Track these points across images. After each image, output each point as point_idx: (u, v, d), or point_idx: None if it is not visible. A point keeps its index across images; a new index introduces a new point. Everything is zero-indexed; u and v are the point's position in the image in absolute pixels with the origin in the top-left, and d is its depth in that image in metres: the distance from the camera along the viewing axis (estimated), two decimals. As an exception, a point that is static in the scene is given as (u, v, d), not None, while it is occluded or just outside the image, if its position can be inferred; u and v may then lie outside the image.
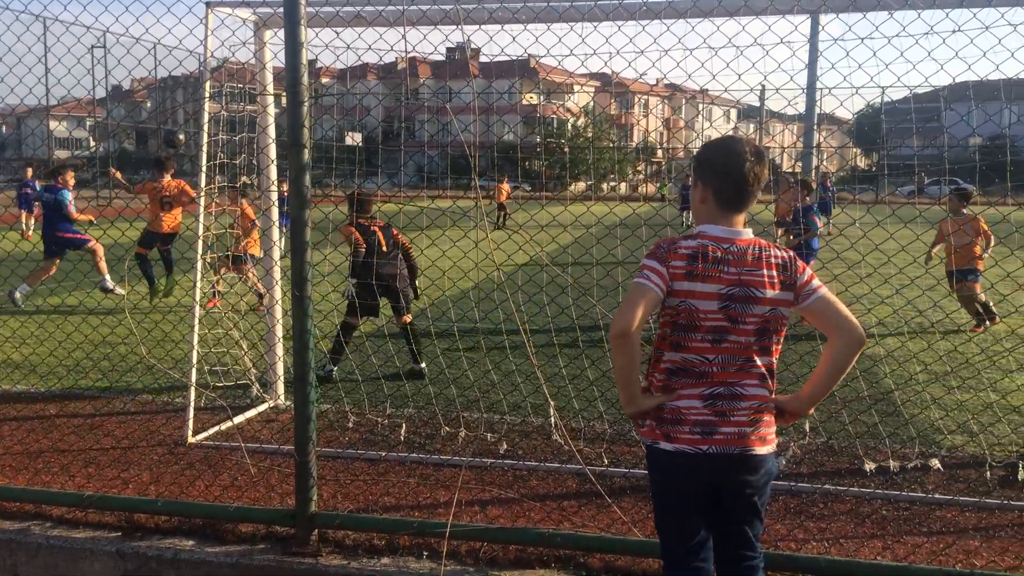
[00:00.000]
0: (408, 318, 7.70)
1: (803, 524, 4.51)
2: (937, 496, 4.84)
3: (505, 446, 5.60)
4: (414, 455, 5.49)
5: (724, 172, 2.77)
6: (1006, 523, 4.52)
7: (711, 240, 2.74)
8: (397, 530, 4.20)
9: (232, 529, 4.36)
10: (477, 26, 5.26)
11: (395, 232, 7.63)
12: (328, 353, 7.51)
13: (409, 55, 5.30)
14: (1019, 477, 5.10)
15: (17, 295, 11.29)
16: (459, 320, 9.34)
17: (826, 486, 4.99)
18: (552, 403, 5.40)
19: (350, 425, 6.09)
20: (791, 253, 2.81)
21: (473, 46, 7.14)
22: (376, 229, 7.46)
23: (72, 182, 12.12)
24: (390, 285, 7.37)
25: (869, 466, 5.25)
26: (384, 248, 7.40)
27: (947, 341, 8.74)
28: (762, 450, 2.78)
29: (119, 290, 11.80)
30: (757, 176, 2.74)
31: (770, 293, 2.71)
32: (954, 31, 4.66)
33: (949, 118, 5.57)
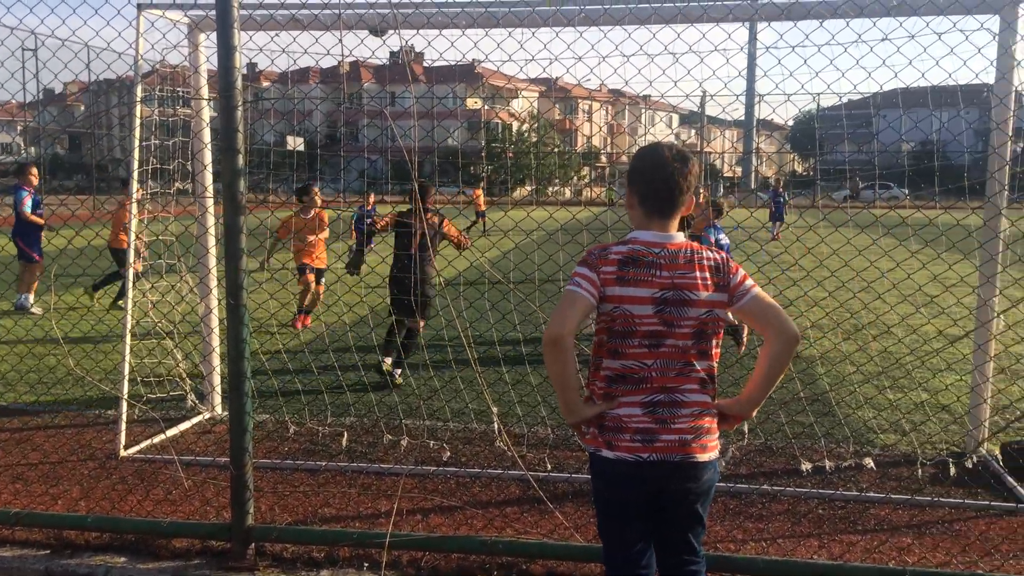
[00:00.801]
0: (422, 323, 7.61)
1: (742, 525, 4.57)
2: (871, 494, 4.95)
3: (448, 453, 5.56)
4: (355, 465, 5.42)
5: (649, 178, 2.79)
6: (937, 520, 4.64)
7: (642, 245, 2.75)
8: (337, 542, 4.13)
9: (166, 544, 4.24)
10: (415, 31, 5.23)
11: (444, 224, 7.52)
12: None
13: (347, 59, 5.23)
14: (950, 474, 5.24)
15: (27, 303, 11.24)
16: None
17: (764, 486, 5.06)
18: (494, 409, 5.39)
19: (289, 435, 5.99)
20: (724, 255, 2.82)
21: (416, 51, 7.09)
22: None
23: (35, 180, 11.64)
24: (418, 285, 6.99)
25: (805, 466, 5.34)
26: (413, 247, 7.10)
27: (879, 342, 8.97)
28: (703, 457, 2.78)
29: (36, 310, 11.37)
30: (680, 182, 2.75)
31: (704, 295, 2.72)
32: (882, 39, 4.80)
33: (881, 125, 5.72)
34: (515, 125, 52.08)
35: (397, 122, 5.54)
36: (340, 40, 4.65)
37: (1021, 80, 4.93)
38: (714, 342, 2.81)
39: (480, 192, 27.09)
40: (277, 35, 5.55)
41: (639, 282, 2.70)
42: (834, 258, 5.51)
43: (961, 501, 4.82)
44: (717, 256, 2.79)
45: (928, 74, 4.69)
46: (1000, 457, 5.40)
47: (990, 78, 5.08)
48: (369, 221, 9.47)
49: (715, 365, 2.84)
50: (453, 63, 6.07)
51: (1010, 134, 5.03)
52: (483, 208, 26.31)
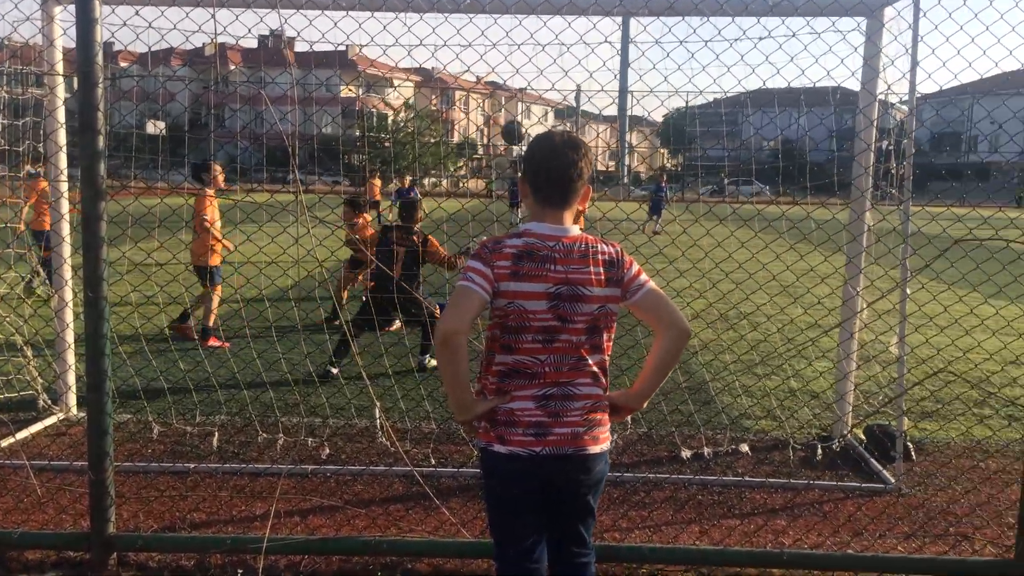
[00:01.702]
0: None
1: (626, 514, 4.60)
2: (747, 479, 5.09)
3: (328, 451, 5.36)
4: (227, 466, 5.12)
5: (539, 168, 2.70)
6: (809, 502, 4.81)
7: (536, 238, 2.67)
8: (208, 548, 3.88)
9: (17, 557, 3.88)
10: (295, 10, 4.97)
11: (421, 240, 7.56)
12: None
13: (218, 38, 4.92)
14: (818, 457, 5.46)
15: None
16: (277, 320, 8.90)
17: (647, 474, 5.12)
18: (378, 404, 5.22)
19: (154, 436, 5.61)
20: (619, 248, 2.77)
21: (289, 34, 6.79)
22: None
23: None
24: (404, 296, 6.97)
25: (685, 453, 5.45)
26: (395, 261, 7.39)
27: (757, 332, 9.31)
28: (595, 449, 2.75)
29: None
30: (573, 171, 2.68)
31: (597, 290, 2.67)
32: (737, 39, 4.90)
33: (748, 124, 5.89)
34: (392, 115, 51.38)
35: (268, 108, 5.26)
36: (213, 16, 4.35)
37: (888, 81, 5.15)
38: (606, 336, 2.77)
39: (378, 182, 26.59)
40: (141, 9, 5.16)
41: (533, 277, 2.62)
42: (718, 250, 5.63)
43: (832, 484, 5.02)
44: (612, 250, 2.73)
45: (793, 75, 4.84)
46: (865, 440, 5.68)
47: (856, 81, 5.30)
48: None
49: (607, 359, 2.80)
50: (332, 46, 5.84)
51: (873, 135, 5.27)
52: (379, 198, 25.85)
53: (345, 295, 9.90)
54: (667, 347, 2.74)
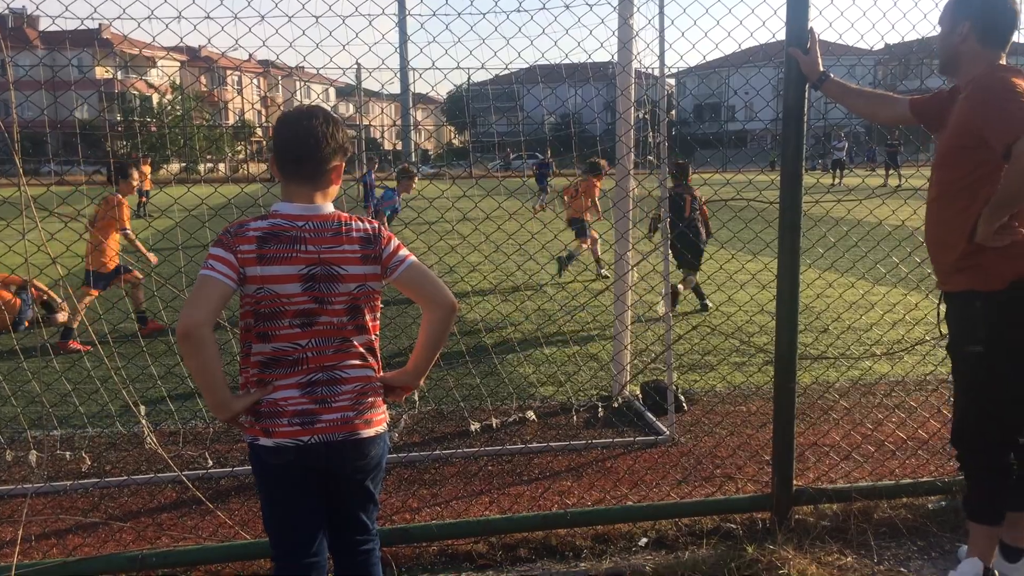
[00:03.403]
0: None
1: (416, 493, 4.54)
2: (533, 445, 5.20)
3: (88, 462, 4.88)
4: (-36, 492, 4.54)
5: (289, 145, 2.54)
6: (591, 461, 4.98)
7: (284, 219, 2.51)
8: (-61, 589, 3.40)
9: None
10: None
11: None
12: None
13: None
14: (599, 417, 5.69)
15: None
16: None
17: (436, 452, 5.10)
18: (141, 407, 4.82)
19: None
20: (376, 224, 2.67)
21: (32, 12, 6.04)
22: (688, 197, 8.86)
23: None
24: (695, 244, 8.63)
25: (474, 426, 5.48)
26: (687, 213, 8.82)
27: (532, 301, 9.57)
28: (369, 432, 2.65)
29: None
30: (322, 146, 2.53)
31: (355, 269, 2.56)
32: (516, 9, 4.93)
33: (526, 100, 5.95)
34: (156, 97, 48.00)
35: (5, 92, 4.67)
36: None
37: (639, 51, 5.38)
38: (370, 316, 2.66)
39: (148, 169, 24.62)
40: None
41: (282, 259, 2.46)
42: (489, 223, 5.67)
43: (610, 440, 5.23)
44: (369, 227, 2.62)
45: (570, 48, 4.94)
46: (640, 396, 5.98)
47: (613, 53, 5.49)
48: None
49: (375, 338, 2.70)
50: (79, 21, 5.24)
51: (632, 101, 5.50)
52: (149, 187, 23.94)
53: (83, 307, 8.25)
54: (435, 322, 2.69)
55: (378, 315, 2.72)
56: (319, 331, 2.54)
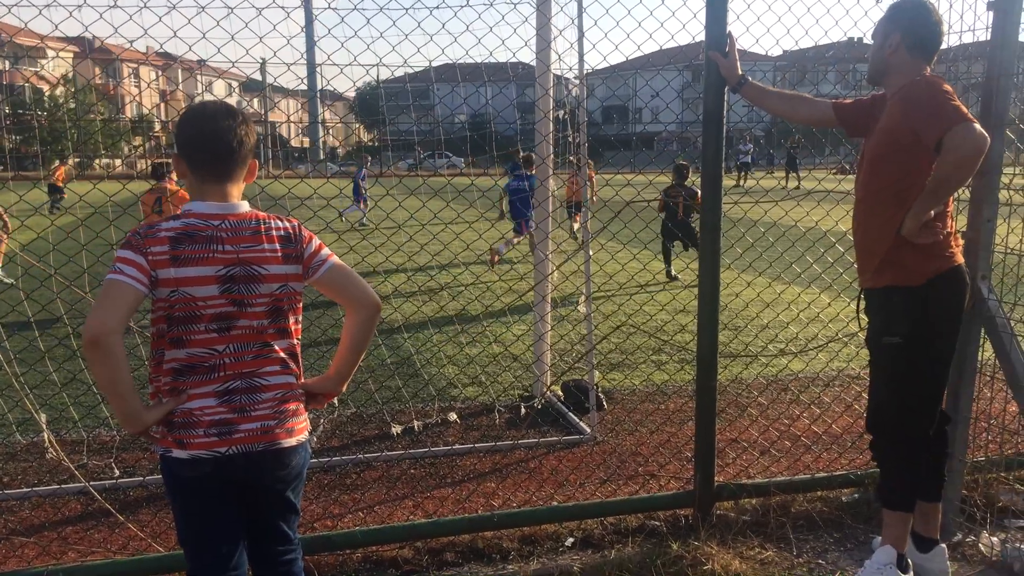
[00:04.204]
0: None
1: (338, 499, 4.44)
2: (456, 447, 5.15)
3: (-17, 476, 4.60)
4: None
5: (197, 141, 2.43)
6: (515, 461, 4.97)
7: (198, 218, 2.39)
8: None
9: None
10: None
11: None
12: None
13: None
14: (522, 416, 5.68)
15: None
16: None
17: (357, 456, 4.99)
18: (42, 415, 4.56)
19: None
20: (296, 223, 2.57)
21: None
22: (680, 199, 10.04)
23: None
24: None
25: (396, 429, 5.40)
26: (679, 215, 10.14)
27: (456, 302, 9.50)
28: (290, 441, 2.55)
29: None
30: (233, 140, 2.43)
31: (275, 268, 2.46)
32: (412, 6, 4.82)
33: (435, 98, 5.89)
34: (47, 90, 45.72)
35: None
36: None
37: (558, 54, 5.40)
38: (292, 319, 2.56)
39: (64, 167, 23.43)
40: None
41: (198, 260, 2.34)
42: (411, 224, 5.59)
43: (535, 441, 5.23)
44: (289, 225, 2.52)
45: (477, 52, 4.90)
46: (562, 395, 6.00)
47: (532, 53, 5.49)
48: None
49: (297, 343, 2.60)
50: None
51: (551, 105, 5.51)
52: (62, 183, 22.75)
53: None
54: (358, 324, 2.61)
55: (300, 318, 2.62)
56: (237, 336, 2.43)
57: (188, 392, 2.40)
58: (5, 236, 10.31)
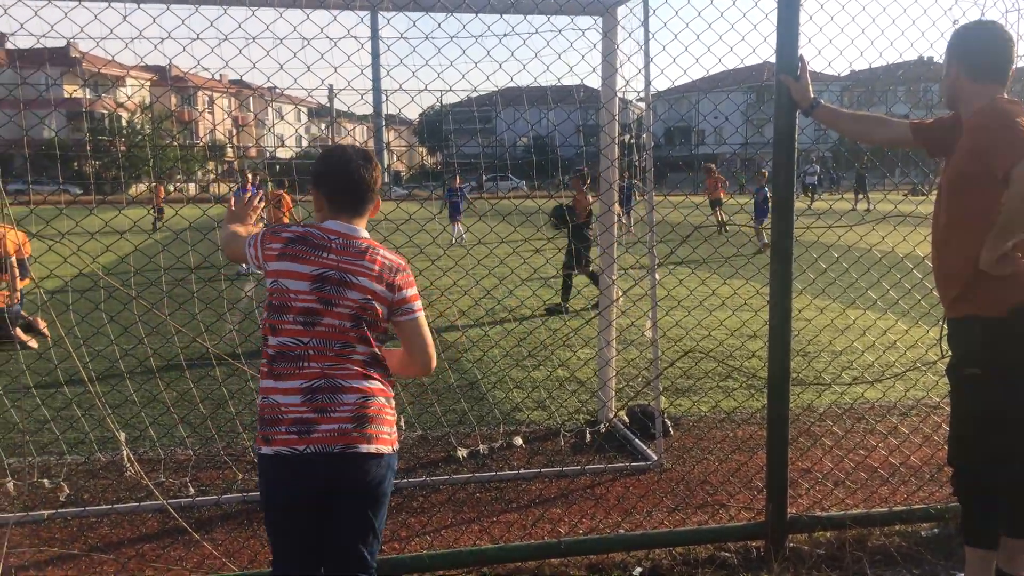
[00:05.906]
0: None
1: (405, 522, 4.47)
2: (523, 472, 5.13)
3: (67, 491, 4.75)
4: (-62, 524, 4.39)
5: (334, 180, 2.73)
6: (581, 487, 4.93)
7: (319, 230, 2.67)
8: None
9: None
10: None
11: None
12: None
13: None
14: (587, 442, 5.64)
15: None
16: None
17: (423, 479, 5.02)
18: (121, 435, 4.70)
19: None
20: (404, 262, 2.76)
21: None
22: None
23: None
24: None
25: (461, 452, 5.42)
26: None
27: (523, 326, 9.51)
28: (369, 448, 2.60)
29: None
30: (366, 180, 2.74)
31: (366, 282, 2.62)
32: (482, 34, 4.90)
33: (499, 122, 5.95)
34: (125, 115, 47.55)
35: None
36: None
37: (625, 79, 5.40)
38: (373, 333, 2.66)
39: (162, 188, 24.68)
40: None
41: (300, 259, 2.60)
42: (480, 248, 5.64)
43: (602, 467, 5.19)
44: (396, 259, 2.73)
45: (539, 72, 4.95)
46: (627, 420, 5.94)
47: (598, 77, 5.50)
48: None
49: (380, 354, 2.72)
50: (36, 40, 5.16)
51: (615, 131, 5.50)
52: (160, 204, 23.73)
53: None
54: (405, 367, 2.84)
55: (381, 340, 2.73)
56: (321, 332, 2.60)
57: (278, 385, 2.60)
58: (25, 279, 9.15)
